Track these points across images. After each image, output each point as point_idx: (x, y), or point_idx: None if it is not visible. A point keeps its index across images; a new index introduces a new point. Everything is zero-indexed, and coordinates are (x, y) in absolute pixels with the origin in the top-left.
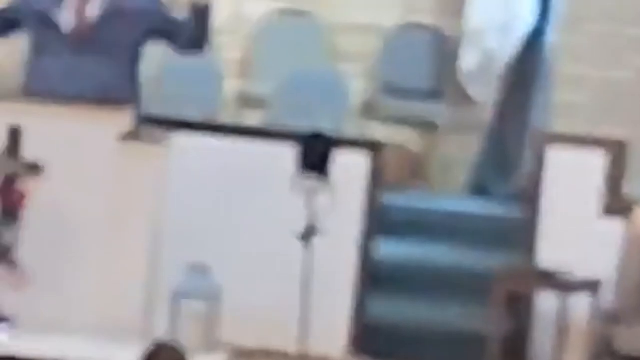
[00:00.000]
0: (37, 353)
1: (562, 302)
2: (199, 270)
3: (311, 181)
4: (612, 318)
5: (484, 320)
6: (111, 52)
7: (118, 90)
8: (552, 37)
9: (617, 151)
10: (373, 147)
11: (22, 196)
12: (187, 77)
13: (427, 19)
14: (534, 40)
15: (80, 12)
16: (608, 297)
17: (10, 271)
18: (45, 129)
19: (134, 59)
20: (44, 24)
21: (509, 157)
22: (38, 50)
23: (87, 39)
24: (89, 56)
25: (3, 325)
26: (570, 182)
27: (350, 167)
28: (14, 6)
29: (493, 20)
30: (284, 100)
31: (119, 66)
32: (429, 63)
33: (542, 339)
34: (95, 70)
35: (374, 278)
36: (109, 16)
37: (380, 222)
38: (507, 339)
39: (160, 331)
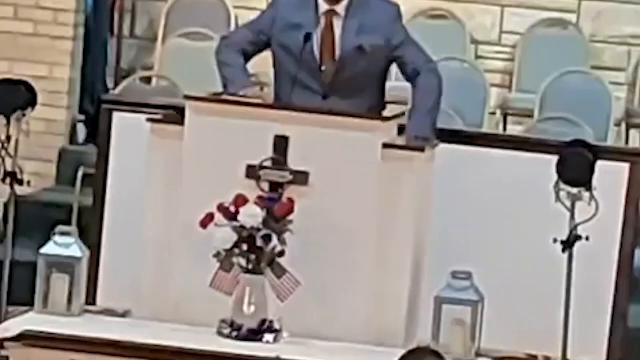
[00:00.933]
0: (303, 358)
1: None
2: (462, 276)
3: (573, 190)
4: None
5: None
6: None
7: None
8: None
9: None
10: (635, 155)
11: (289, 204)
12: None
13: None
14: None
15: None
16: None
17: (279, 278)
18: (310, 138)
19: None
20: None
21: None
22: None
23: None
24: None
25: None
26: None
27: (611, 176)
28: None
29: None
30: (547, 109)
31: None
32: None
33: None
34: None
35: (635, 286)
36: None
37: None
38: None
39: (424, 337)
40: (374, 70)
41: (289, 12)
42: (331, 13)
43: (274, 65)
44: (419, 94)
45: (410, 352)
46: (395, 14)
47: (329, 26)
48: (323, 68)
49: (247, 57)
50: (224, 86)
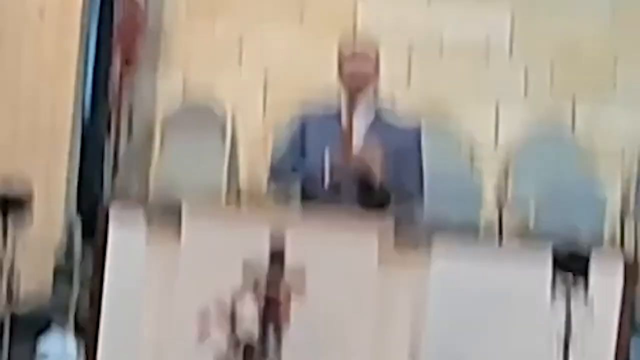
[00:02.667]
0: None
1: None
2: None
3: (568, 294)
4: None
5: None
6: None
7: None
8: None
9: None
10: (629, 259)
11: (285, 307)
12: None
13: None
14: None
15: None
16: None
17: None
18: (307, 238)
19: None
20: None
21: None
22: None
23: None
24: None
25: None
26: None
27: (606, 279)
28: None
29: None
30: (543, 211)
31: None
32: None
33: None
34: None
35: None
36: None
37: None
38: None
39: None
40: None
41: (317, 139)
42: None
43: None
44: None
45: None
46: (418, 142)
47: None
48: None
49: None
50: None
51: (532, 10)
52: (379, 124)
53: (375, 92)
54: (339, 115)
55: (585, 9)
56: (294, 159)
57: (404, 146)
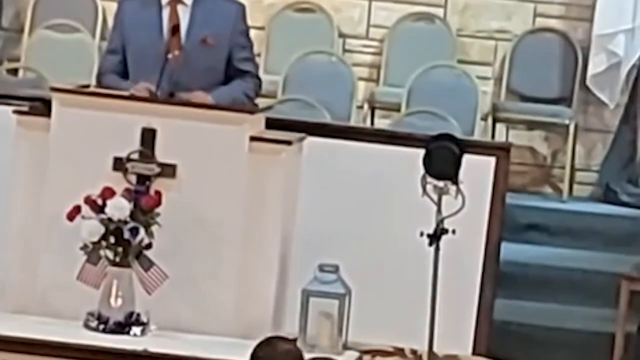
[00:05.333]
0: (171, 351)
1: None
2: (329, 270)
3: (440, 183)
4: None
5: (611, 321)
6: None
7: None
8: None
9: None
10: (501, 149)
11: (156, 197)
12: (318, 81)
13: (556, 24)
14: None
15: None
16: None
17: (147, 271)
18: (178, 131)
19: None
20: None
21: (636, 160)
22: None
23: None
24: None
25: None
26: None
27: (478, 170)
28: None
29: (621, 24)
30: (414, 102)
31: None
32: (557, 67)
33: None
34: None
35: (501, 280)
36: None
37: (506, 224)
38: (633, 338)
39: (292, 330)
40: (218, 66)
41: (133, 15)
42: (175, 2)
43: (128, 67)
44: (233, 86)
45: (265, 340)
46: (242, 13)
47: (174, 15)
48: (169, 56)
49: (123, 74)
50: None
51: None
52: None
53: None
54: None
55: None
56: (112, 50)
57: (229, 15)
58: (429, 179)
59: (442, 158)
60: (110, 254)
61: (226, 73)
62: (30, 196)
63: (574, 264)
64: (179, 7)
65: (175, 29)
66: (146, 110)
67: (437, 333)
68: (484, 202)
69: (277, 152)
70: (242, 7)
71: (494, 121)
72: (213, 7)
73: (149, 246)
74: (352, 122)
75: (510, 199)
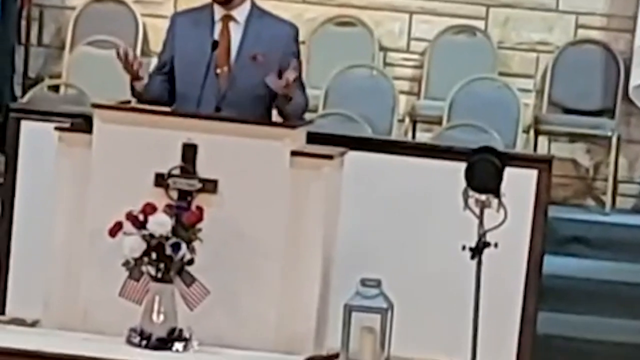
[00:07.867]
0: None
1: None
2: (371, 284)
3: (482, 197)
4: None
5: None
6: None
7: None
8: None
9: None
10: (543, 162)
11: (198, 212)
12: (359, 95)
13: (598, 36)
14: None
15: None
16: None
17: (189, 287)
18: (219, 146)
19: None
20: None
21: None
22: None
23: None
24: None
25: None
26: None
27: (520, 183)
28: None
29: None
30: (456, 115)
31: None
32: (599, 79)
33: None
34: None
35: (543, 293)
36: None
37: (549, 237)
38: None
39: (333, 345)
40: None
41: (185, 29)
42: (227, 18)
43: (176, 79)
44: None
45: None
46: (294, 35)
47: (226, 31)
48: (218, 71)
49: (167, 91)
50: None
51: None
52: (256, 12)
53: None
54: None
55: None
56: (165, 55)
57: (281, 35)
58: (471, 192)
59: (484, 171)
60: (152, 270)
61: (273, 92)
62: (72, 212)
63: (617, 276)
64: (231, 24)
65: (225, 45)
66: (187, 125)
67: (479, 347)
68: (526, 215)
69: (319, 167)
70: (295, 29)
71: (536, 133)
72: (265, 26)
73: (190, 262)
74: (393, 136)
75: (553, 211)
